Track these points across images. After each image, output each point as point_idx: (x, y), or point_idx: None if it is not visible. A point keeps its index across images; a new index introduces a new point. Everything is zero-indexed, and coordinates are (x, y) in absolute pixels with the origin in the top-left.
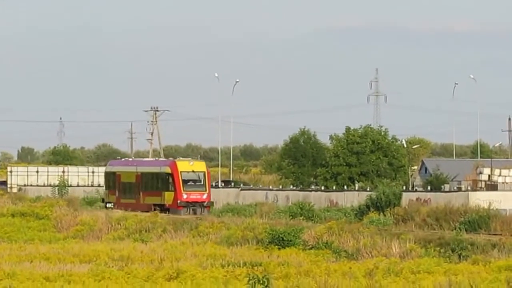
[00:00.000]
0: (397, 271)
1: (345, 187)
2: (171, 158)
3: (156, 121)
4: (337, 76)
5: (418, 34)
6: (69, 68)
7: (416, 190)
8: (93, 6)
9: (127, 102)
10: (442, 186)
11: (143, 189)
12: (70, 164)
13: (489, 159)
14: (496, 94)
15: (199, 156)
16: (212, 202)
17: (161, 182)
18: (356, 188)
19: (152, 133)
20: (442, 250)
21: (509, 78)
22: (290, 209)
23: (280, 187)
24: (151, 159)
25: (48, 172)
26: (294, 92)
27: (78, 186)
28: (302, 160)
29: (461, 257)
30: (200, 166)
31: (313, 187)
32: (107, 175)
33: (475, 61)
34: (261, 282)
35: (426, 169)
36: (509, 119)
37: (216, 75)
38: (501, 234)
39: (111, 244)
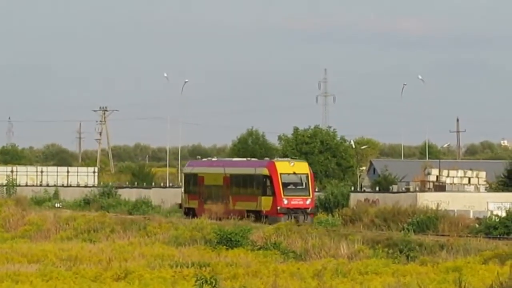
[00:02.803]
0: (345, 272)
1: None
2: (267, 158)
3: (105, 121)
4: (285, 76)
5: (367, 34)
6: (17, 66)
7: (364, 191)
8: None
9: (76, 101)
10: (391, 187)
11: (233, 193)
12: (19, 164)
13: (437, 160)
14: (444, 95)
15: (147, 156)
16: (317, 208)
17: (257, 185)
18: None
19: (100, 133)
20: (390, 251)
21: (457, 78)
22: None
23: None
24: (242, 159)
25: None
26: (242, 91)
27: (26, 185)
28: None
29: (409, 258)
30: (302, 167)
31: None
32: (187, 177)
33: (424, 62)
34: (209, 282)
35: (374, 169)
36: (457, 120)
37: (165, 74)
38: (449, 235)
39: (59, 244)
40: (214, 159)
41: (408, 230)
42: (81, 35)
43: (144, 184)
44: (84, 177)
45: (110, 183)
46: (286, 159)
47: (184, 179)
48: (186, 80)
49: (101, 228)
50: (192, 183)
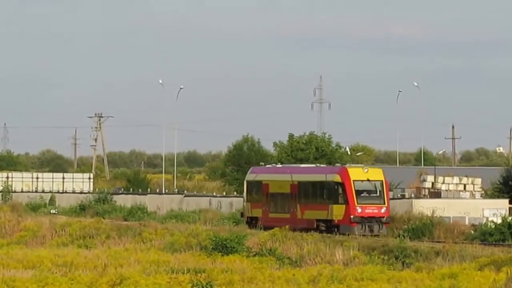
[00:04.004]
0: (341, 278)
1: None
2: (338, 164)
3: (100, 127)
4: (281, 83)
5: (363, 41)
6: (12, 72)
7: None
8: (31, 11)
9: (72, 108)
10: None
11: (301, 202)
12: (14, 170)
13: (433, 167)
14: (440, 102)
15: (142, 162)
16: (392, 218)
17: (328, 193)
18: None
19: (96, 139)
20: (385, 258)
21: (452, 85)
22: (234, 215)
23: (224, 193)
24: (310, 165)
25: None
26: (238, 98)
27: (22, 192)
28: (245, 167)
29: (405, 264)
30: (376, 174)
31: None
32: (250, 184)
33: (419, 68)
34: None
35: None
36: (453, 127)
37: (160, 81)
38: (444, 242)
39: (55, 250)
40: (278, 165)
41: (404, 237)
42: (77, 41)
43: (140, 190)
44: (80, 183)
45: (106, 189)
46: (359, 165)
47: (247, 186)
48: (181, 87)
49: (96, 234)
50: (256, 191)
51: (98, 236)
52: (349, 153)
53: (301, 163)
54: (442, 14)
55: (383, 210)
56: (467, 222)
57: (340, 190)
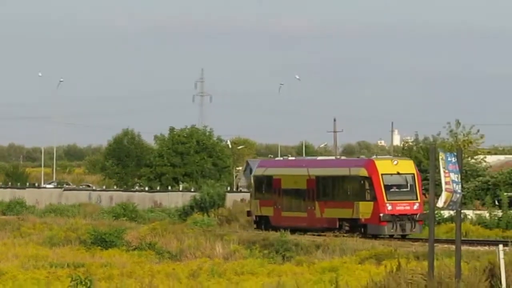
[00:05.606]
0: (221, 272)
1: (169, 187)
2: (362, 156)
3: None
4: (162, 76)
5: (245, 33)
6: None
7: (240, 191)
8: None
9: None
10: None
11: (320, 199)
12: None
13: None
14: (322, 95)
15: (21, 156)
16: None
17: (353, 188)
18: (180, 189)
19: None
20: (266, 251)
21: (335, 79)
22: (113, 209)
23: (104, 187)
24: (330, 157)
25: None
26: (119, 91)
27: None
28: (126, 161)
29: (285, 258)
30: (407, 166)
31: (137, 187)
32: (258, 180)
33: (301, 62)
34: (84, 283)
35: (251, 170)
36: (334, 120)
37: (40, 74)
38: (325, 235)
39: None
40: (291, 158)
41: (285, 230)
42: None
43: (19, 184)
44: None
45: None
46: (388, 156)
47: (254, 182)
48: (61, 80)
49: None
50: (266, 187)
51: None
52: (230, 146)
53: (185, 157)
54: (325, 8)
55: (415, 207)
56: None
57: (367, 186)
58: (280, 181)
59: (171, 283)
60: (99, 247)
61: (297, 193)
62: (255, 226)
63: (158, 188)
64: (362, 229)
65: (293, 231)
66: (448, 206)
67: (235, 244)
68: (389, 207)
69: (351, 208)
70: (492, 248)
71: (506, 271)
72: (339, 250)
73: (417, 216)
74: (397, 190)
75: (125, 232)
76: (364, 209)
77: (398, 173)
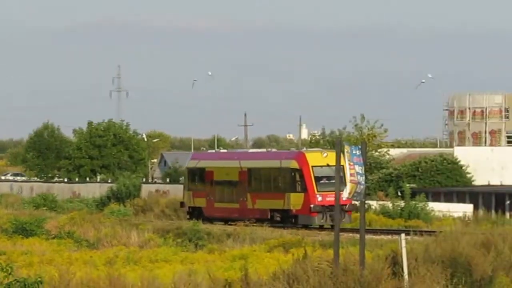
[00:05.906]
0: (136, 260)
1: (88, 179)
2: (293, 149)
3: None
4: (81, 72)
5: (162, 31)
6: None
7: (155, 182)
8: None
9: None
10: (180, 179)
11: (252, 190)
12: None
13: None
14: (234, 90)
15: None
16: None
17: (284, 180)
18: (98, 180)
19: None
20: (179, 240)
21: (246, 74)
22: (34, 200)
23: (25, 179)
24: (261, 150)
25: None
26: (39, 86)
27: None
28: (46, 153)
29: (198, 246)
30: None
31: (56, 179)
32: (191, 172)
33: (214, 58)
34: (5, 270)
35: (165, 162)
36: (245, 114)
37: None
38: (235, 224)
39: None
40: (223, 150)
41: (197, 220)
42: None
43: None
44: None
45: None
46: (317, 149)
47: (187, 174)
48: None
49: None
50: (199, 178)
51: None
52: (145, 139)
53: (103, 150)
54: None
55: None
56: None
57: (298, 177)
58: (212, 173)
59: (88, 270)
60: (20, 236)
61: (229, 184)
62: (188, 217)
63: (76, 179)
64: (293, 220)
65: (226, 221)
66: (352, 197)
67: (150, 233)
68: (319, 198)
69: (282, 199)
70: (395, 237)
71: (407, 259)
72: (249, 239)
73: (347, 206)
74: (327, 181)
75: (45, 222)
76: (295, 200)
77: (328, 165)
